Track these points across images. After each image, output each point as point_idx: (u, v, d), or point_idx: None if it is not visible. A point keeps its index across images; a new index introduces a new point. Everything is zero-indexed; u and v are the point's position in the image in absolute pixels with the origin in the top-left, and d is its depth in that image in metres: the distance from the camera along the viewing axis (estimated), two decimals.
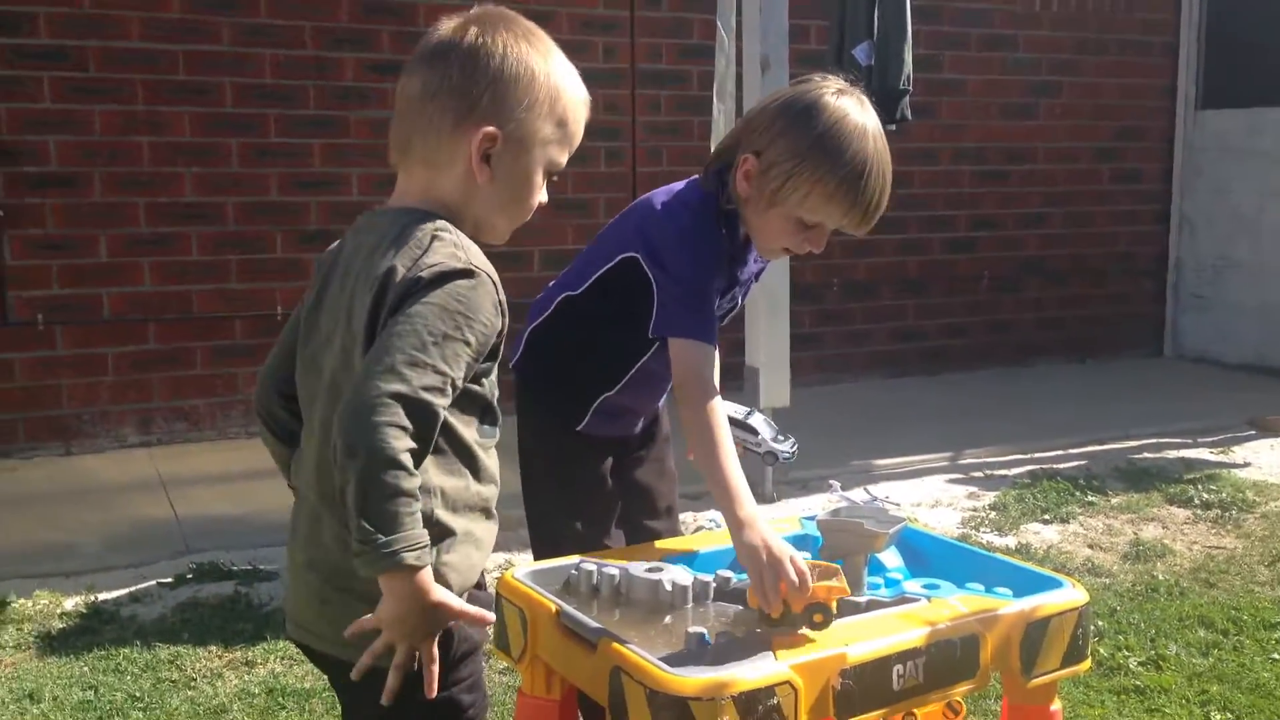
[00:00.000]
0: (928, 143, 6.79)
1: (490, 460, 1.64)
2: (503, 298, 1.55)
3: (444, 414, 1.47)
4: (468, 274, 1.50)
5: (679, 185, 2.17)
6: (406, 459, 1.40)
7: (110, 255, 5.15)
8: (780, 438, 2.22)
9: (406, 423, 1.40)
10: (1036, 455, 5.18)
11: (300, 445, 1.67)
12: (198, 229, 5.28)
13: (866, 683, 1.71)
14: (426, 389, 1.42)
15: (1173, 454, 5.23)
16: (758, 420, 2.25)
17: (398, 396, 1.40)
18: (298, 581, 1.65)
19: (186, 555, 3.86)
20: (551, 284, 2.27)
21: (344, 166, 5.51)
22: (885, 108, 4.73)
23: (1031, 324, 7.32)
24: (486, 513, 1.63)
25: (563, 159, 1.65)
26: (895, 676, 1.74)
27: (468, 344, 1.48)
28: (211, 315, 5.33)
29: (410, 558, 1.40)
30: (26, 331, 5.03)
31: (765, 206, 2.04)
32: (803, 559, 1.79)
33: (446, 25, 1.59)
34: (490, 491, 1.64)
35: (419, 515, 1.42)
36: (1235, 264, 7.37)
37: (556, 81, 1.61)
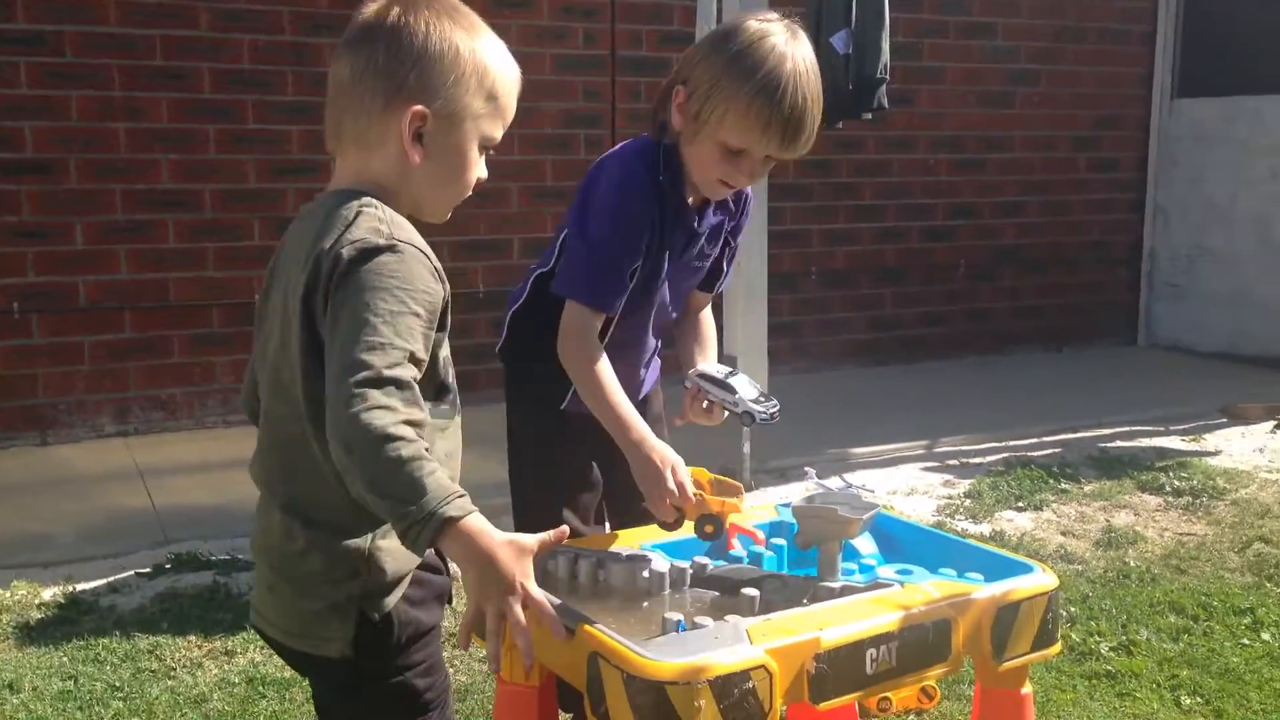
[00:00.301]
0: (906, 130, 6.82)
1: (444, 441, 1.63)
2: (437, 265, 1.54)
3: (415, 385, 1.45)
4: (390, 249, 1.48)
5: (630, 140, 2.20)
6: (400, 429, 1.37)
7: (86, 243, 5.12)
8: (762, 398, 2.17)
9: (385, 401, 1.38)
10: (1011, 443, 5.23)
11: None
12: (175, 216, 5.25)
13: (840, 666, 1.73)
14: (390, 366, 1.41)
15: (1145, 442, 5.29)
16: (740, 381, 2.20)
17: (366, 382, 1.39)
18: (257, 570, 1.70)
19: (165, 545, 3.86)
20: (529, 266, 2.29)
21: (322, 153, 5.38)
22: (862, 96, 4.76)
23: (1008, 312, 7.37)
24: None
25: (497, 133, 1.65)
26: (869, 660, 1.76)
27: (417, 315, 1.47)
28: (189, 303, 5.31)
29: (449, 510, 1.36)
30: (2, 320, 5.00)
31: (693, 135, 2.06)
32: (687, 472, 1.96)
33: (370, 7, 1.60)
34: None
35: (439, 472, 1.38)
36: (1209, 253, 7.43)
37: (482, 57, 1.60)
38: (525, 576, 1.45)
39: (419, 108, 1.56)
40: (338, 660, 1.59)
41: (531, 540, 1.47)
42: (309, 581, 1.57)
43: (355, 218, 1.52)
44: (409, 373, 1.43)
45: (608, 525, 2.40)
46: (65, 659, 3.05)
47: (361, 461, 1.37)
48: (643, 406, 2.36)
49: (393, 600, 1.59)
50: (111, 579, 3.61)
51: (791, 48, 2.01)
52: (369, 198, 1.56)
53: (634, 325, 2.24)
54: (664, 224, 2.13)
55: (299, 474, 1.59)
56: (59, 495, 4.39)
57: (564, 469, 2.29)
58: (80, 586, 3.55)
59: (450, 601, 1.75)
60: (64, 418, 5.15)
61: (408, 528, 1.37)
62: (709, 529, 1.98)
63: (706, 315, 2.40)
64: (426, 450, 1.39)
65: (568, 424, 2.25)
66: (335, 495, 1.51)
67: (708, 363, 2.28)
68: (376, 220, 1.52)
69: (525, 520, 2.27)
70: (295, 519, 1.59)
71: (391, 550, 1.56)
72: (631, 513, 2.32)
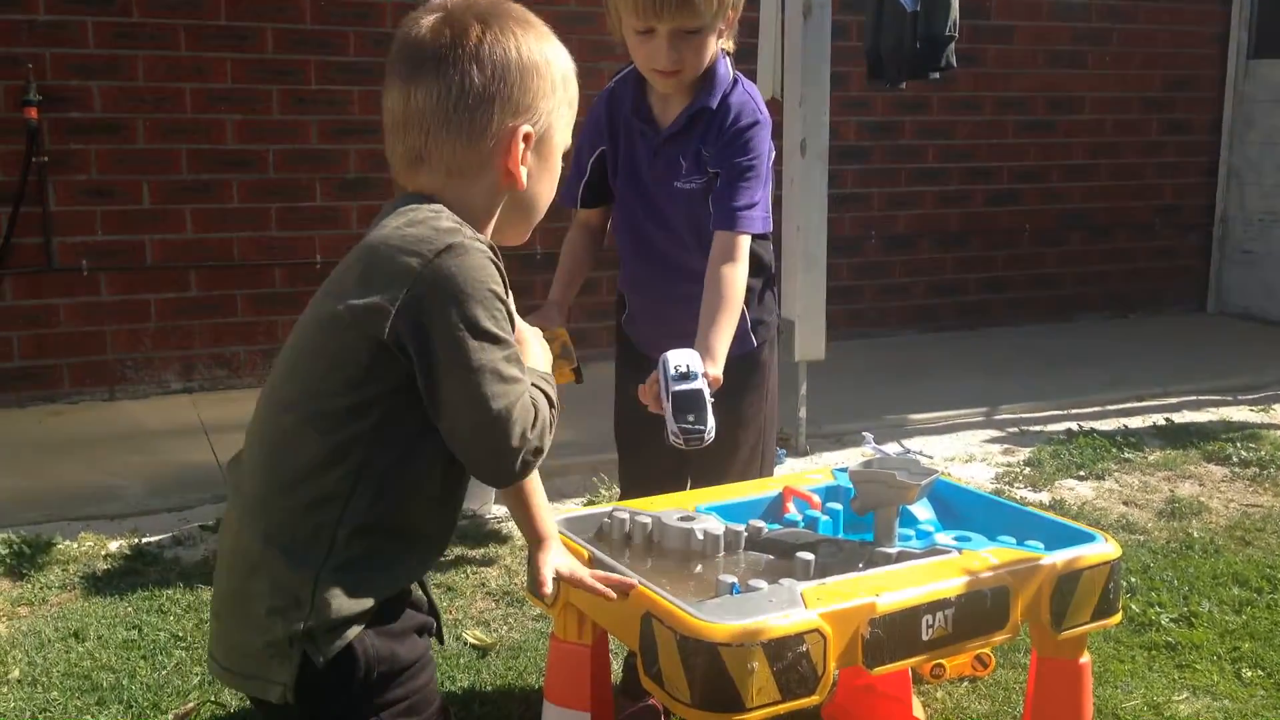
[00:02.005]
0: (972, 91, 6.70)
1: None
2: (499, 261, 1.46)
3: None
4: (460, 249, 1.40)
5: None
6: (533, 446, 1.44)
7: (153, 202, 5.19)
8: (689, 421, 1.97)
9: (517, 430, 1.41)
10: (1074, 411, 5.15)
11: None
12: (239, 176, 5.31)
13: (895, 632, 1.72)
14: (507, 402, 1.40)
15: (1212, 411, 5.18)
16: (686, 389, 2.00)
17: (496, 422, 1.39)
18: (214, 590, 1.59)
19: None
20: None
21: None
22: (930, 55, 4.67)
23: (1074, 278, 7.24)
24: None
25: (570, 140, 1.60)
26: (924, 626, 1.75)
27: (500, 341, 1.41)
28: (252, 263, 5.37)
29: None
30: (71, 277, 5.10)
31: (621, 35, 2.27)
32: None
33: (428, 24, 1.48)
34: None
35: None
36: None
37: (563, 65, 1.54)
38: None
39: (527, 129, 1.49)
40: (280, 706, 1.43)
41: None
42: (251, 609, 1.43)
43: (424, 216, 1.45)
44: (521, 389, 1.49)
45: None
46: (130, 609, 3.13)
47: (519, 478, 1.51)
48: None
49: (340, 643, 1.41)
50: (176, 531, 3.69)
51: None
52: (439, 204, 1.48)
53: (636, 247, 2.43)
54: (616, 121, 2.37)
55: (276, 473, 1.46)
56: (126, 450, 4.49)
57: (618, 393, 2.59)
58: (146, 539, 3.62)
59: (440, 638, 1.63)
60: (131, 374, 5.25)
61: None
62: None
63: (719, 278, 2.19)
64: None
65: (626, 351, 2.57)
66: (295, 504, 1.42)
67: (681, 350, 2.06)
68: (447, 219, 1.48)
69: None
70: (254, 530, 1.45)
71: (343, 584, 1.41)
72: (706, 476, 2.39)
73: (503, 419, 1.40)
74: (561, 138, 1.56)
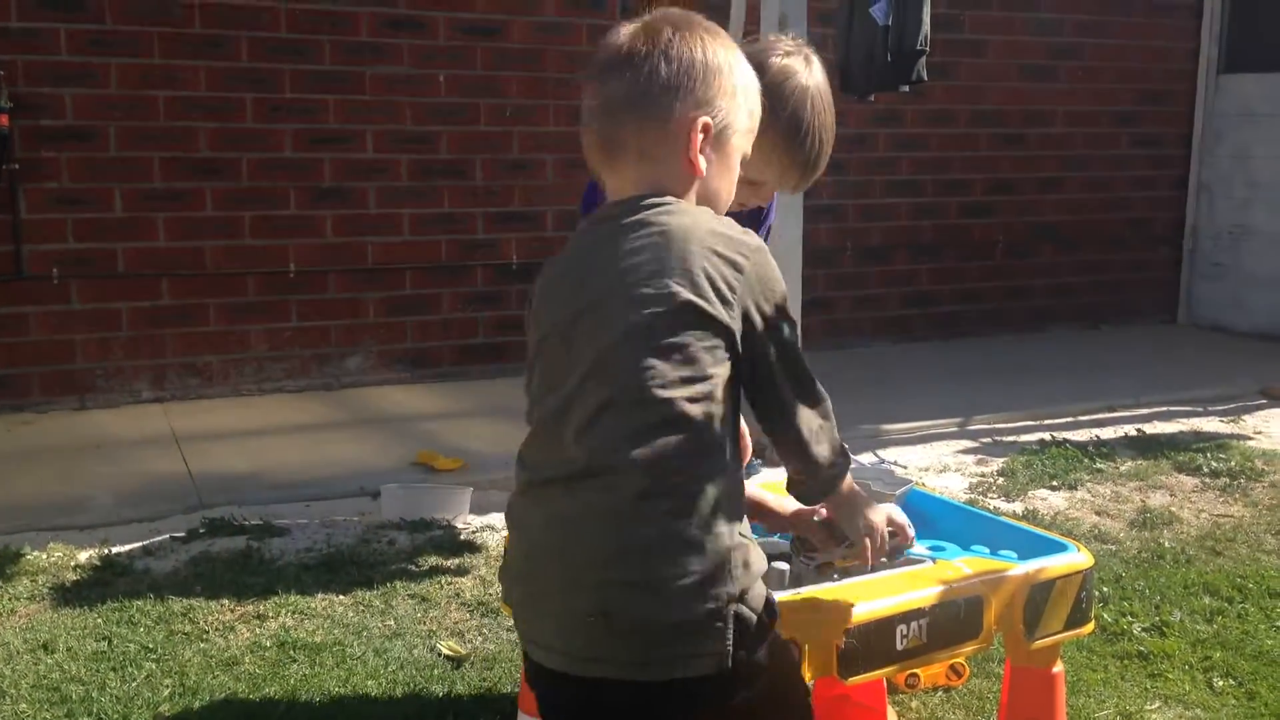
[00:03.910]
0: (946, 104, 6.74)
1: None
2: None
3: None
4: (761, 250, 1.57)
5: None
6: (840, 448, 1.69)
7: (125, 210, 5.15)
8: None
9: (824, 423, 1.65)
10: (1047, 422, 5.18)
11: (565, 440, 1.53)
12: (212, 184, 5.28)
13: (870, 642, 1.73)
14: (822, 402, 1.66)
15: (1183, 422, 5.22)
16: None
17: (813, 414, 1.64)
18: (557, 604, 1.52)
19: (199, 510, 3.90)
20: None
21: (358, 123, 5.49)
22: (901, 69, 4.70)
23: (1046, 290, 7.29)
24: None
25: (749, 151, 1.68)
26: (899, 636, 1.76)
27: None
28: (225, 271, 5.34)
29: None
30: (42, 286, 5.05)
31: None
32: None
33: (624, 35, 1.62)
34: None
35: None
36: (1252, 232, 7.31)
37: (746, 75, 1.64)
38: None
39: (706, 119, 1.58)
40: (707, 678, 1.47)
41: None
42: (663, 590, 1.45)
43: (735, 234, 1.58)
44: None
45: None
46: (100, 620, 3.09)
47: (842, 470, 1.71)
48: None
49: (762, 593, 1.52)
50: (146, 542, 3.65)
51: (810, 80, 2.06)
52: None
53: None
54: None
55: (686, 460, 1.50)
56: (96, 459, 4.44)
57: None
58: (116, 549, 3.59)
59: None
60: (101, 383, 5.21)
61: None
62: None
63: None
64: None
65: None
66: (704, 475, 1.49)
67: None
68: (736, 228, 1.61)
69: None
70: (677, 517, 1.47)
71: (744, 544, 1.52)
72: None
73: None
74: (740, 142, 1.64)
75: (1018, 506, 4.11)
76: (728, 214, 1.79)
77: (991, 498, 4.22)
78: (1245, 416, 5.34)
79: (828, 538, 1.87)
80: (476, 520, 3.89)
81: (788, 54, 2.06)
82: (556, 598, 1.50)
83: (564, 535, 1.49)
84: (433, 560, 3.53)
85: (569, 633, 1.49)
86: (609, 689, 1.48)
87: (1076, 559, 1.96)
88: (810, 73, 2.06)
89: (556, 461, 1.51)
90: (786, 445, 1.62)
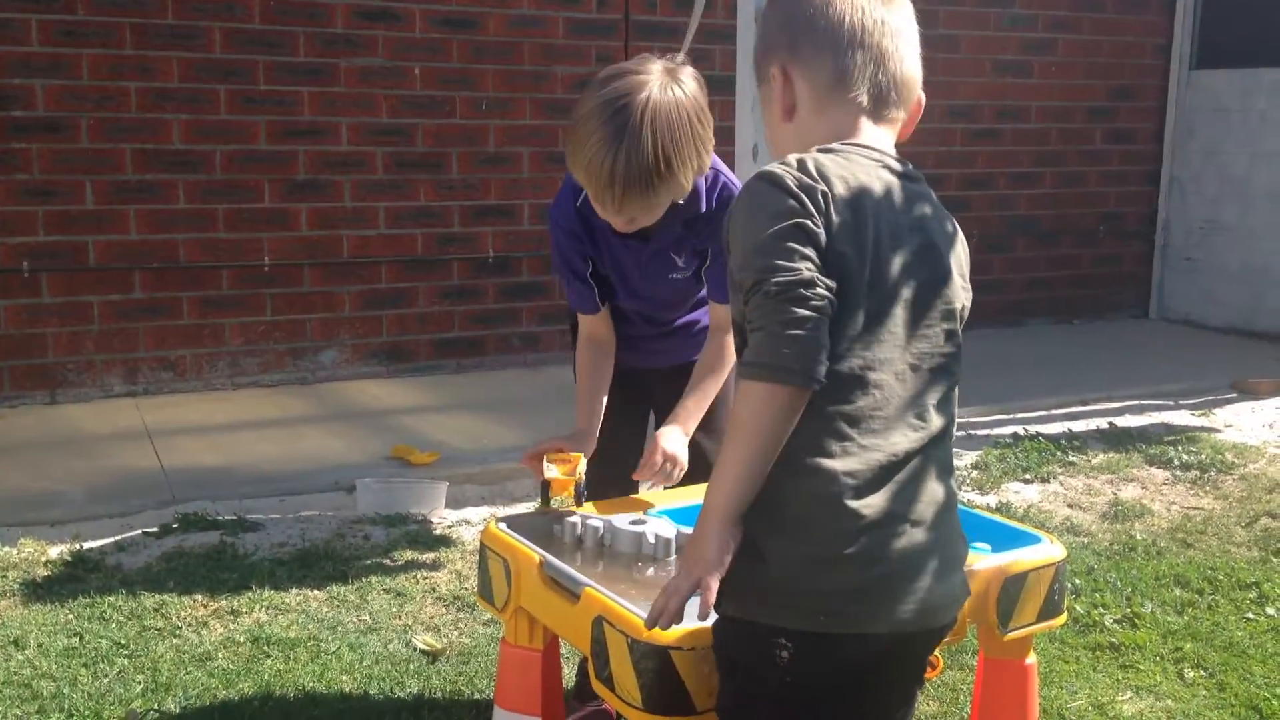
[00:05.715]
0: None
1: None
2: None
3: None
4: None
5: None
6: None
7: (97, 202, 5.11)
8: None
9: None
10: (1020, 415, 5.21)
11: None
12: (185, 177, 5.24)
13: None
14: None
15: (1154, 416, 5.27)
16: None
17: None
18: (926, 554, 1.52)
19: (172, 505, 3.87)
20: None
21: (333, 115, 5.47)
22: None
23: (1020, 284, 7.33)
24: None
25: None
26: None
27: None
28: (198, 265, 5.30)
29: None
30: (12, 278, 5.00)
31: None
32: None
33: None
34: None
35: None
36: (1223, 226, 7.37)
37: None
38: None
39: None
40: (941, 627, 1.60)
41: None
42: (957, 546, 1.59)
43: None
44: None
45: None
46: (71, 616, 3.07)
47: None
48: (669, 373, 2.48)
49: None
50: (118, 538, 3.63)
51: (651, 105, 2.03)
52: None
53: (629, 317, 2.46)
54: (595, 236, 2.28)
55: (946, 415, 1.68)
56: (67, 454, 4.41)
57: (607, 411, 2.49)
58: (87, 545, 3.56)
59: None
60: (73, 377, 5.17)
61: None
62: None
63: (721, 348, 2.32)
64: None
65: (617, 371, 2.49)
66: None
67: (671, 428, 2.26)
68: None
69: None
70: (944, 472, 1.59)
71: None
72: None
73: None
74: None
75: (991, 499, 4.13)
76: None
77: (966, 490, 4.25)
78: (1216, 410, 5.39)
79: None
80: (452, 515, 3.88)
81: (642, 72, 2.08)
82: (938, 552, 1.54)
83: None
84: (408, 555, 3.53)
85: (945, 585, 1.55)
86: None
87: (1049, 551, 1.98)
88: (662, 92, 2.05)
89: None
90: None
